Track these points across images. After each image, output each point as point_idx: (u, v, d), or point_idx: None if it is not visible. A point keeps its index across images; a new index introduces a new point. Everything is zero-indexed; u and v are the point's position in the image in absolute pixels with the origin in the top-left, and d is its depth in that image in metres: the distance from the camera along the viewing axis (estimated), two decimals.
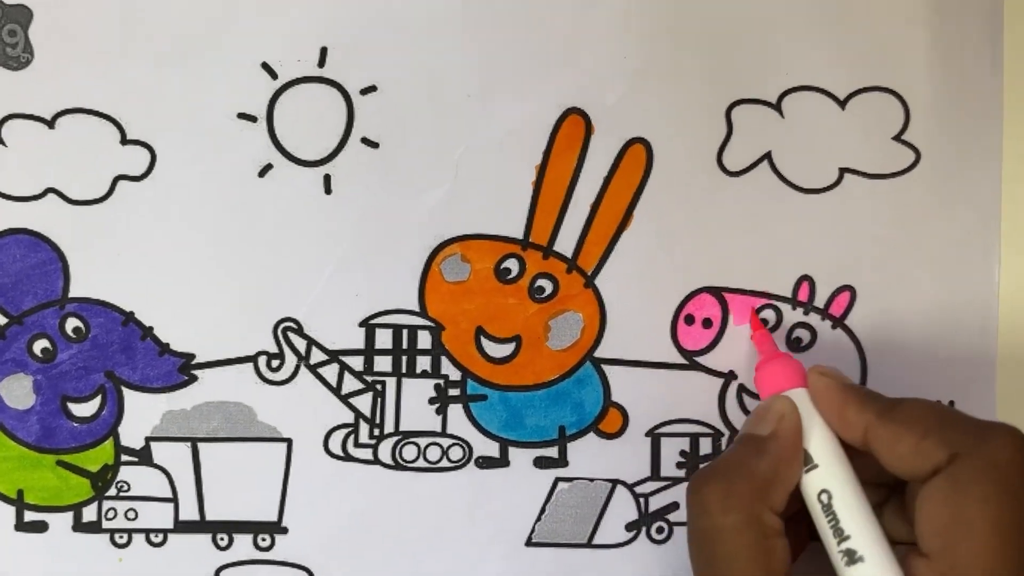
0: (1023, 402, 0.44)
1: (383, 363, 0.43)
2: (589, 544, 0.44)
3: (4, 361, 0.42)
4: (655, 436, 0.44)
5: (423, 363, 0.43)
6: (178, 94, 0.42)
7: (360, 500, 0.43)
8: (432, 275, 0.43)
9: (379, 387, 0.43)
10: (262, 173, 0.43)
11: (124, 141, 0.42)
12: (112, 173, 0.42)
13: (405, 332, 0.43)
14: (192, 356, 0.43)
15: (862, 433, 0.36)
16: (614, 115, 0.43)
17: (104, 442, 0.43)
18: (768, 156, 0.44)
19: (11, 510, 0.42)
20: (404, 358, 0.43)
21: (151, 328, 0.43)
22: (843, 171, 0.44)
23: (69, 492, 0.43)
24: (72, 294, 0.42)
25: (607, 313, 0.44)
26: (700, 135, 0.43)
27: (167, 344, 0.43)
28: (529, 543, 0.44)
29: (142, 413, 0.43)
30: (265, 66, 0.42)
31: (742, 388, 0.44)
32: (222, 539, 0.43)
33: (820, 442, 0.37)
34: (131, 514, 0.43)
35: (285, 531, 0.43)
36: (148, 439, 0.43)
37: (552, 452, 0.44)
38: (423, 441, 0.43)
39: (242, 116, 0.42)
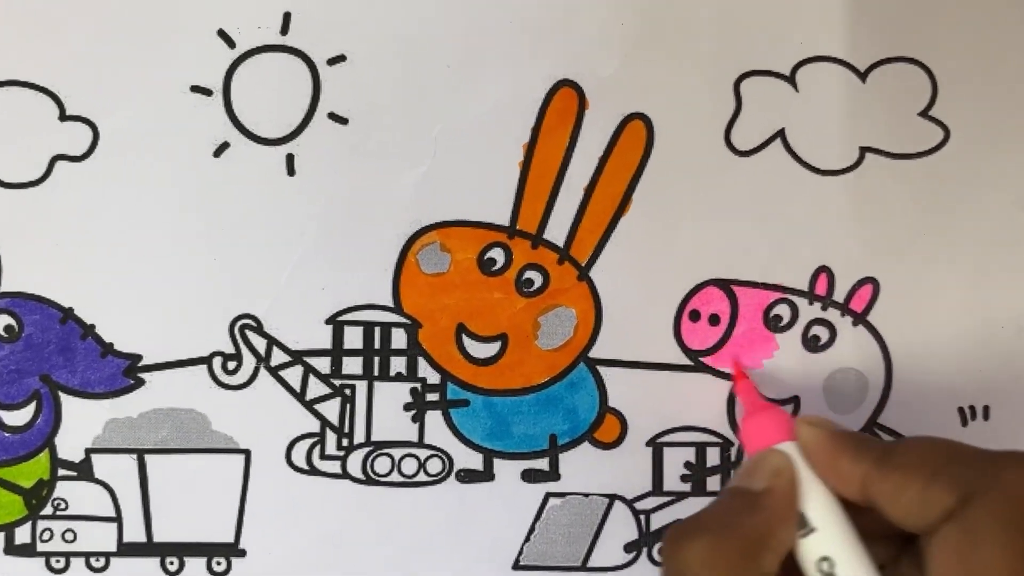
0: None
1: (353, 365, 0.42)
2: (584, 567, 0.43)
3: None
4: (657, 446, 0.43)
5: (397, 365, 0.42)
6: (124, 65, 0.42)
7: (327, 519, 0.42)
8: (408, 266, 0.42)
9: (348, 392, 0.42)
10: (218, 153, 0.42)
11: (63, 117, 0.42)
12: (49, 153, 0.42)
13: (377, 330, 0.42)
14: (138, 357, 0.42)
15: (859, 486, 0.35)
16: (610, 88, 0.42)
17: (39, 454, 0.42)
18: (781, 134, 0.43)
19: None
20: (376, 359, 0.42)
21: (92, 326, 0.42)
22: (864, 150, 0.43)
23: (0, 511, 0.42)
24: (4, 288, 0.42)
25: (603, 309, 0.43)
26: (706, 110, 0.43)
27: (110, 344, 0.42)
28: (516, 566, 0.43)
29: (82, 422, 0.42)
30: (222, 33, 0.42)
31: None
32: (172, 563, 0.42)
33: (817, 502, 0.35)
34: (69, 535, 0.42)
35: (243, 554, 0.42)
36: (89, 451, 0.42)
37: (542, 464, 0.43)
38: (397, 452, 0.42)
39: (196, 89, 0.42)
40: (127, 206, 0.41)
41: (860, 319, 0.43)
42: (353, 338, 0.42)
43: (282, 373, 0.42)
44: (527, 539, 0.43)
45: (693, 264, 0.43)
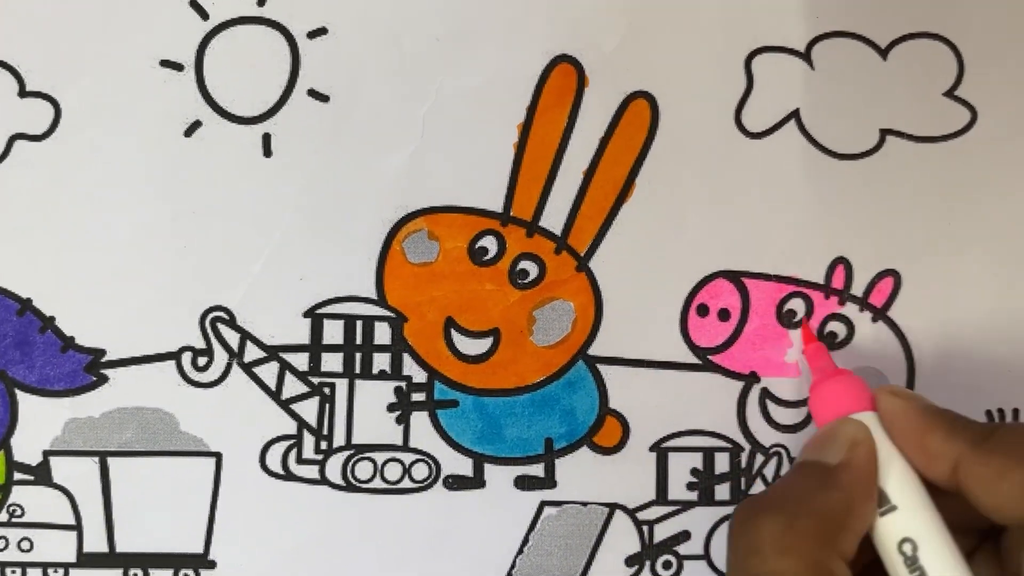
0: None
1: (333, 362, 0.42)
2: None
3: None
4: (661, 451, 0.42)
5: (381, 362, 0.42)
6: (88, 37, 0.41)
7: (304, 528, 0.41)
8: (393, 255, 0.42)
9: (327, 391, 0.42)
10: (189, 132, 0.41)
11: (22, 93, 0.41)
12: (7, 131, 0.41)
13: (359, 324, 0.42)
14: (102, 352, 0.41)
15: (950, 468, 0.34)
16: (612, 64, 0.42)
17: None
18: (795, 114, 0.43)
19: None
20: (358, 356, 0.42)
21: (52, 318, 0.41)
22: (885, 133, 0.43)
23: None
24: None
25: (603, 302, 0.42)
26: (714, 89, 0.42)
27: (71, 338, 0.41)
28: None
29: (40, 422, 0.41)
30: (194, 4, 0.41)
31: (766, 393, 0.42)
32: (135, 575, 0.41)
33: (899, 478, 0.34)
34: (25, 544, 0.41)
35: (212, 565, 0.41)
36: (47, 453, 0.41)
37: (537, 470, 0.42)
38: (380, 457, 0.42)
39: (165, 64, 0.41)
40: (91, 189, 0.41)
41: (880, 314, 0.43)
42: (333, 333, 0.42)
43: (256, 370, 0.41)
44: (520, 551, 0.42)
45: (701, 255, 0.42)
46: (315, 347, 0.41)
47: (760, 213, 0.42)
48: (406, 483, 0.41)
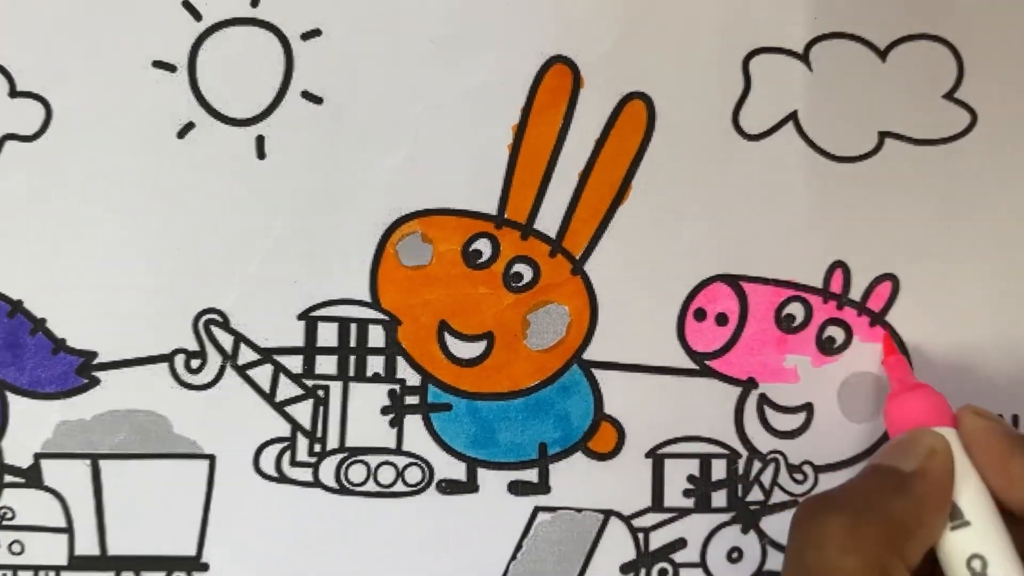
0: None
1: (327, 364, 0.42)
2: None
3: None
4: (657, 457, 0.42)
5: (375, 365, 0.42)
6: (80, 38, 0.41)
7: (297, 530, 0.41)
8: (386, 258, 0.42)
9: (321, 393, 0.42)
10: (182, 133, 0.41)
11: (13, 93, 0.41)
12: None
13: (353, 327, 0.42)
14: (93, 355, 0.41)
15: None
16: (607, 65, 0.42)
17: None
18: (793, 116, 0.42)
19: None
20: (352, 358, 0.42)
21: (43, 320, 0.41)
22: (883, 135, 0.43)
23: None
24: None
25: (599, 306, 0.42)
26: (712, 90, 0.42)
27: (63, 340, 0.41)
28: None
29: (30, 424, 0.41)
30: (187, 4, 0.41)
31: (764, 399, 0.42)
32: None
33: (975, 495, 0.34)
34: (16, 547, 0.41)
35: (205, 568, 0.41)
36: (38, 456, 0.41)
37: (531, 475, 0.42)
38: (374, 460, 0.42)
39: (158, 65, 0.41)
40: (82, 190, 0.41)
41: (878, 319, 0.42)
42: (327, 335, 0.41)
43: (250, 372, 0.41)
44: (513, 557, 0.42)
45: (698, 258, 0.42)
46: (309, 350, 0.41)
47: (758, 216, 0.42)
48: (399, 487, 0.41)
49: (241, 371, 0.41)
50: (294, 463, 0.41)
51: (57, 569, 0.41)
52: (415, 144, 0.41)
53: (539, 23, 0.41)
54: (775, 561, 0.43)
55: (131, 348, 0.41)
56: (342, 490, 0.41)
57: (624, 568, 0.42)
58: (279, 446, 0.41)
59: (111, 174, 0.41)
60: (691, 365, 0.42)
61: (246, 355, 0.41)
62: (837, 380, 0.43)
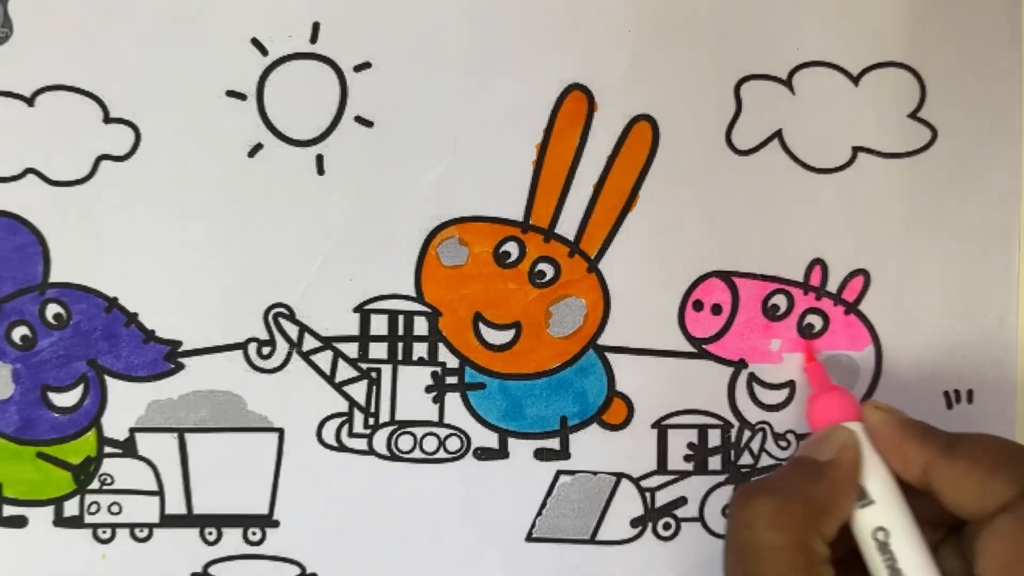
0: None
1: (378, 350, 0.42)
2: (592, 540, 0.43)
3: None
4: (662, 428, 0.43)
5: (420, 350, 0.43)
6: (164, 71, 0.41)
7: (354, 492, 0.42)
8: (429, 259, 0.42)
9: (374, 375, 0.43)
10: (252, 153, 0.42)
11: (107, 119, 0.42)
12: (94, 153, 0.41)
13: (401, 318, 0.42)
14: (179, 343, 0.42)
15: (922, 471, 0.36)
16: (618, 91, 0.42)
17: (86, 433, 0.42)
18: (779, 134, 0.43)
19: None
20: (400, 345, 0.42)
21: (135, 314, 0.42)
22: (856, 150, 0.43)
23: (50, 486, 0.42)
24: (53, 279, 0.42)
25: (611, 299, 0.43)
26: (708, 112, 0.43)
27: (152, 331, 0.42)
28: (530, 538, 0.43)
29: (126, 403, 0.42)
30: (255, 42, 0.42)
31: (752, 377, 0.43)
32: (210, 533, 0.42)
33: (877, 478, 0.36)
34: (115, 508, 0.42)
35: (276, 524, 0.42)
36: (132, 430, 0.42)
37: (553, 444, 0.43)
38: (419, 431, 0.43)
39: (231, 94, 0.42)
40: (167, 202, 0.41)
41: (852, 308, 0.43)
42: (379, 325, 0.42)
43: (313, 358, 0.42)
44: (539, 513, 0.43)
45: (696, 257, 0.43)
46: (363, 338, 0.42)
47: (748, 220, 0.43)
48: (441, 454, 0.42)
49: (305, 356, 0.42)
50: (351, 435, 0.42)
51: (150, 526, 0.42)
52: (452, 161, 0.42)
53: (558, 56, 0.42)
54: None
55: (211, 337, 0.42)
56: (392, 457, 0.42)
57: (634, 522, 0.43)
58: (338, 420, 0.42)
59: (192, 188, 0.41)
60: (690, 349, 0.43)
61: (309, 343, 0.42)
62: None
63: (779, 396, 0.44)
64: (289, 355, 0.42)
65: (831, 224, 0.43)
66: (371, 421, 0.43)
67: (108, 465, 0.42)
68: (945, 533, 0.37)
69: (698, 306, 0.43)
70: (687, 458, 0.43)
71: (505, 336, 0.43)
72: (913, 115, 0.43)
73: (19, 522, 0.42)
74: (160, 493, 0.42)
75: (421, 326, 0.43)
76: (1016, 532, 0.33)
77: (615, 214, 0.43)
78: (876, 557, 0.35)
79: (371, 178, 0.42)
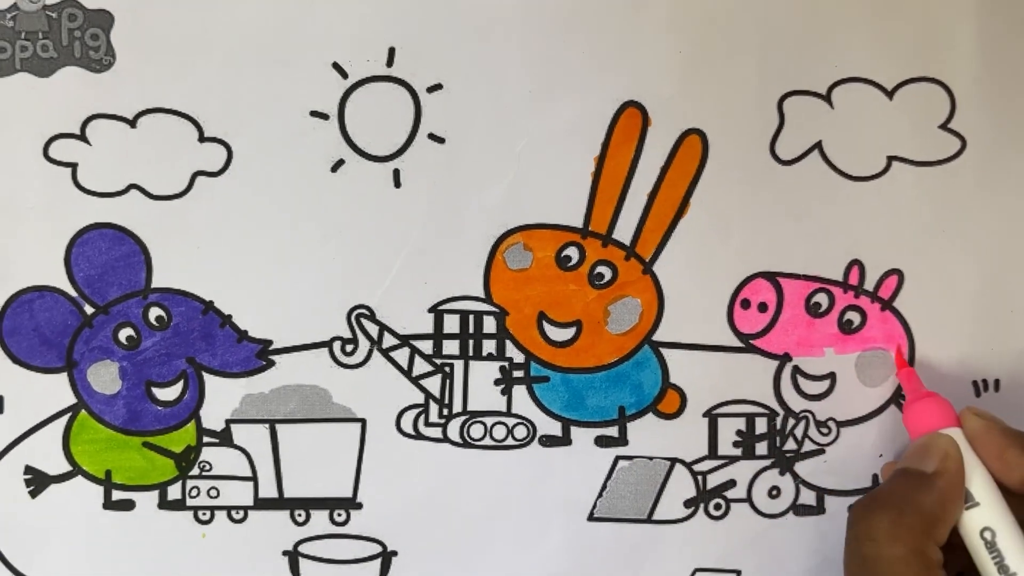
0: None
1: (451, 347, 0.43)
2: (649, 520, 0.44)
3: (92, 348, 0.43)
4: (712, 416, 0.44)
5: (489, 346, 0.44)
6: (253, 93, 0.42)
7: (430, 476, 0.43)
8: (496, 263, 0.43)
9: (448, 369, 0.44)
10: (334, 168, 0.43)
11: (202, 139, 0.42)
12: (191, 169, 0.42)
13: (471, 317, 0.43)
14: (269, 342, 0.43)
15: (1022, 476, 0.37)
16: (670, 108, 0.43)
17: (187, 424, 0.43)
18: (819, 145, 0.44)
19: (100, 489, 0.43)
20: (471, 342, 0.43)
21: (230, 316, 0.43)
22: (891, 159, 0.44)
23: (155, 472, 0.43)
24: (154, 285, 0.43)
25: (665, 298, 0.44)
26: (753, 126, 0.43)
27: (245, 331, 0.43)
28: (591, 518, 0.44)
29: (222, 397, 0.43)
30: (336, 66, 0.43)
31: (796, 369, 0.44)
32: (300, 515, 0.44)
33: (981, 481, 0.37)
34: (213, 492, 0.43)
35: (360, 506, 0.44)
36: (228, 421, 0.43)
37: (613, 431, 0.44)
38: (489, 420, 0.44)
39: (315, 114, 0.43)
40: (258, 214, 0.42)
41: (887, 305, 0.44)
42: (451, 324, 0.43)
43: (392, 354, 0.43)
44: (600, 495, 0.44)
45: (744, 259, 0.44)
46: (437, 336, 0.43)
47: (791, 225, 0.43)
48: (509, 441, 0.43)
49: (385, 353, 0.43)
50: (427, 424, 0.43)
51: (245, 508, 0.43)
52: (517, 173, 0.43)
53: (614, 75, 0.43)
54: (807, 497, 0.44)
55: (299, 336, 0.43)
56: (465, 444, 0.43)
57: (687, 503, 0.44)
58: (415, 411, 0.43)
59: (280, 200, 0.42)
60: (738, 344, 0.44)
61: (388, 340, 0.43)
62: (854, 354, 0.44)
63: (821, 387, 0.45)
64: (370, 352, 0.43)
65: (868, 228, 0.44)
66: (445, 412, 0.44)
67: (207, 453, 0.43)
68: None
69: (745, 304, 0.44)
70: (736, 444, 0.44)
71: (567, 333, 0.44)
72: (944, 126, 0.44)
73: (127, 505, 0.43)
74: (254, 478, 0.43)
75: (490, 325, 0.43)
76: None
77: (668, 220, 0.44)
78: (984, 555, 0.36)
79: (443, 190, 0.43)
